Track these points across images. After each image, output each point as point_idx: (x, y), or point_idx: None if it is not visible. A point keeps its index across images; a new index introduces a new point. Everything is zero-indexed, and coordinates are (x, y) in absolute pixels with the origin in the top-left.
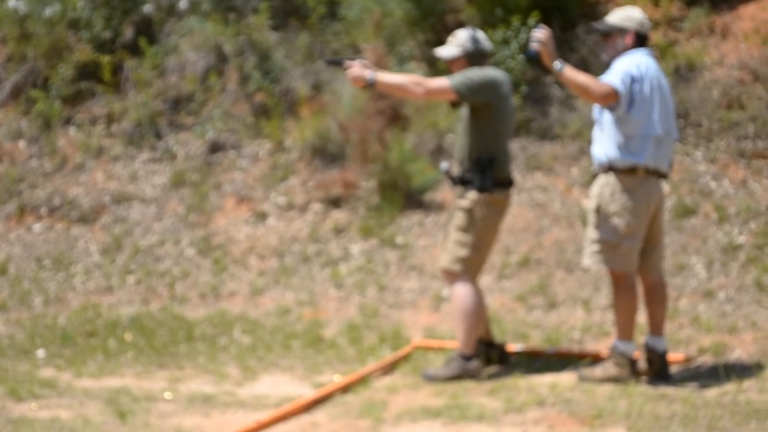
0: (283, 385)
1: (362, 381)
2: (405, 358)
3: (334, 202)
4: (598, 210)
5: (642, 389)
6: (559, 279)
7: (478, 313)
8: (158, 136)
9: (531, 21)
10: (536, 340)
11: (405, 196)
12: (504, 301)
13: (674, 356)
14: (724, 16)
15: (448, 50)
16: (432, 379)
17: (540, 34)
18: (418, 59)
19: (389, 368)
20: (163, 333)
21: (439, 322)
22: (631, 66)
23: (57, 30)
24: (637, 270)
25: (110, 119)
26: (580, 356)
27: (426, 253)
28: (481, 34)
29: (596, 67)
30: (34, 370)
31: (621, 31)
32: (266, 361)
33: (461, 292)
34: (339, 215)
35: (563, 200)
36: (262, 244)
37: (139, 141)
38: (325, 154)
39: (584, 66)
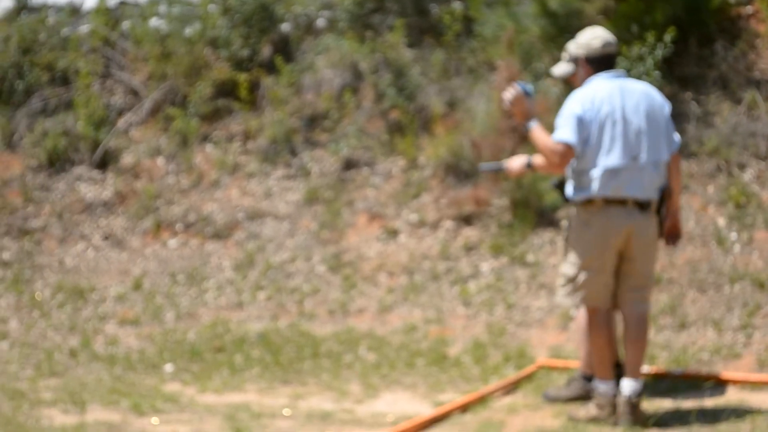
0: (403, 403)
1: (482, 400)
2: (529, 377)
3: (466, 220)
4: (566, 242)
5: None
6: (690, 299)
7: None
8: (293, 153)
9: (667, 37)
10: (664, 362)
11: (537, 213)
12: None
13: None
14: None
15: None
16: (553, 399)
17: (508, 94)
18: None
19: (512, 387)
20: (290, 349)
21: (566, 342)
22: (574, 106)
23: (196, 49)
24: (612, 305)
25: (246, 136)
26: (707, 378)
27: (556, 272)
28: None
29: (736, 84)
30: (160, 385)
31: (576, 60)
32: (389, 379)
33: (581, 312)
34: (470, 233)
35: (698, 219)
36: (393, 261)
37: (274, 158)
38: (458, 171)
39: (723, 83)
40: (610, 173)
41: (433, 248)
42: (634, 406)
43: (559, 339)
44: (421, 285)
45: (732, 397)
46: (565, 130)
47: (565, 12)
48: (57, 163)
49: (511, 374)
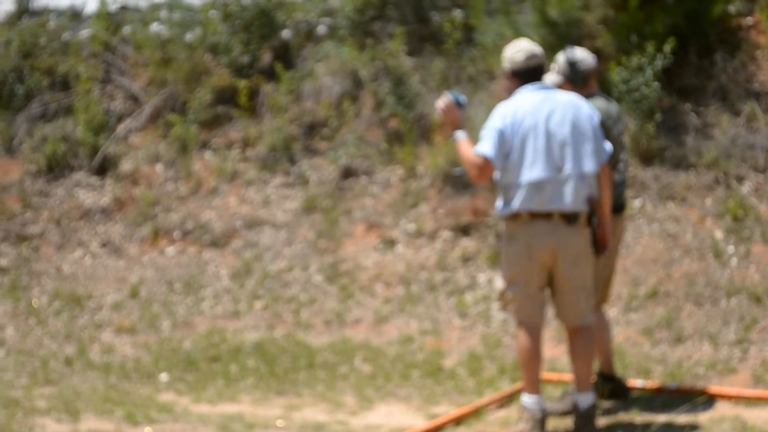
0: (397, 416)
1: (476, 413)
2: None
3: (464, 230)
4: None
5: None
6: (687, 312)
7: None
8: (292, 161)
9: (667, 47)
10: (659, 376)
11: None
12: (629, 334)
13: None
14: None
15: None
16: (547, 413)
17: (441, 102)
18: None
19: (506, 401)
20: (285, 359)
21: (561, 355)
22: (496, 120)
23: (196, 54)
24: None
25: (245, 144)
26: (702, 393)
27: None
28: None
29: (735, 96)
30: (155, 394)
31: (504, 74)
32: (384, 391)
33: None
34: (467, 243)
35: (695, 231)
36: (390, 271)
37: (272, 166)
38: (457, 181)
39: (723, 95)
40: (534, 187)
41: (430, 259)
42: (589, 418)
43: (554, 352)
44: (417, 296)
45: (727, 412)
46: (485, 144)
47: (565, 21)
48: (56, 168)
49: (506, 387)
